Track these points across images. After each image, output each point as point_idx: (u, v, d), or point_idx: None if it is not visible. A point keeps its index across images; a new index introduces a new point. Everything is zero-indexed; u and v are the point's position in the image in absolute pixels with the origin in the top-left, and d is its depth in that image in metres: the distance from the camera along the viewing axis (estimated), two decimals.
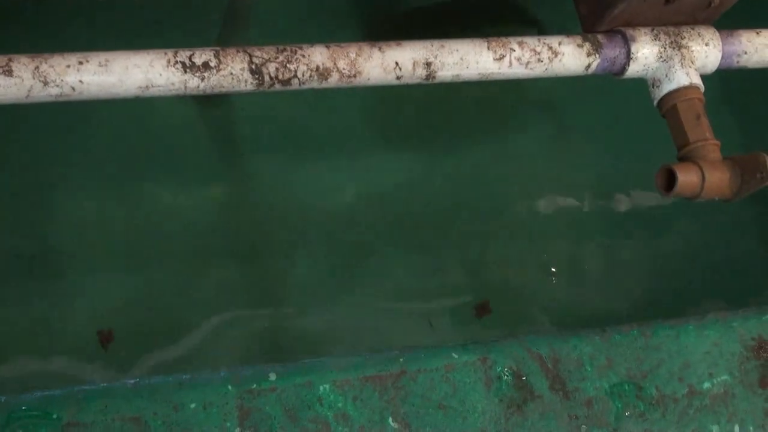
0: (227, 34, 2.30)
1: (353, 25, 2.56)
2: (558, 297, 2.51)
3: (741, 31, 1.70)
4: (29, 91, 1.35)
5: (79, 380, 2.15)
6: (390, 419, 1.40)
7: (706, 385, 1.53)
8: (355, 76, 1.50)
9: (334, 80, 1.49)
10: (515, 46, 1.57)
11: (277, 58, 1.45)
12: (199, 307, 2.30)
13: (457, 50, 1.54)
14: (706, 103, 1.64)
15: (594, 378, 1.50)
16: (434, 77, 1.54)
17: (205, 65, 1.43)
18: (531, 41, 1.59)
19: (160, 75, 1.41)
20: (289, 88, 1.48)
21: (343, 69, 1.48)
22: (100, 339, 2.21)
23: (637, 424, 1.48)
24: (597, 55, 1.61)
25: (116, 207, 2.32)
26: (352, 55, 1.49)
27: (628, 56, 1.62)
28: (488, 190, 2.56)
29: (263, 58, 1.45)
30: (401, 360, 1.45)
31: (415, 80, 1.54)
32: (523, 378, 1.47)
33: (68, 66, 1.37)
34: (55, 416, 1.30)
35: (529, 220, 2.57)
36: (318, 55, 1.47)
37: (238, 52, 1.44)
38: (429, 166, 2.54)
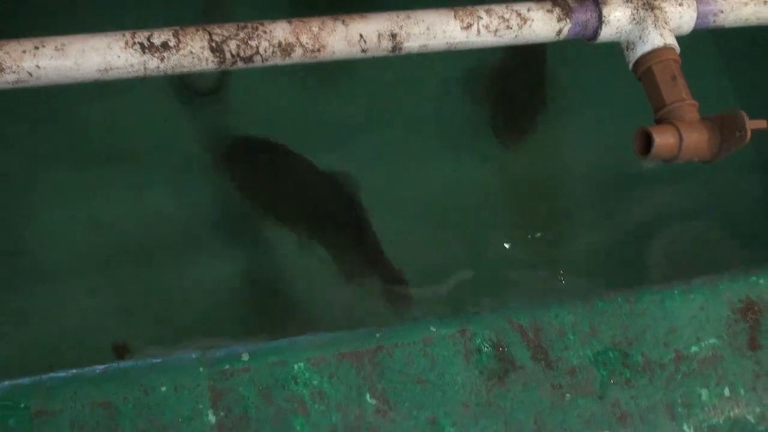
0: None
1: None
2: None
3: None
4: None
5: None
6: (368, 395, 1.37)
7: (694, 349, 1.49)
8: (319, 50, 1.47)
9: (297, 55, 1.47)
10: (483, 14, 1.54)
11: (237, 35, 1.43)
12: None
13: (423, 20, 1.52)
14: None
15: (577, 346, 1.46)
16: (401, 49, 1.52)
17: (164, 45, 1.41)
18: (499, 9, 1.56)
19: (119, 57, 1.39)
20: (252, 65, 1.46)
21: (306, 44, 1.46)
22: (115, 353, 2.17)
23: (624, 391, 1.44)
24: (568, 20, 1.59)
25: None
26: (315, 29, 1.47)
27: (600, 20, 1.59)
28: None
29: (223, 36, 1.43)
30: (377, 335, 1.42)
31: (381, 53, 1.52)
32: (504, 349, 1.44)
33: (24, 51, 1.35)
34: (23, 405, 1.28)
35: None
36: (280, 31, 1.45)
37: (197, 30, 1.43)
38: None
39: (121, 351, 2.14)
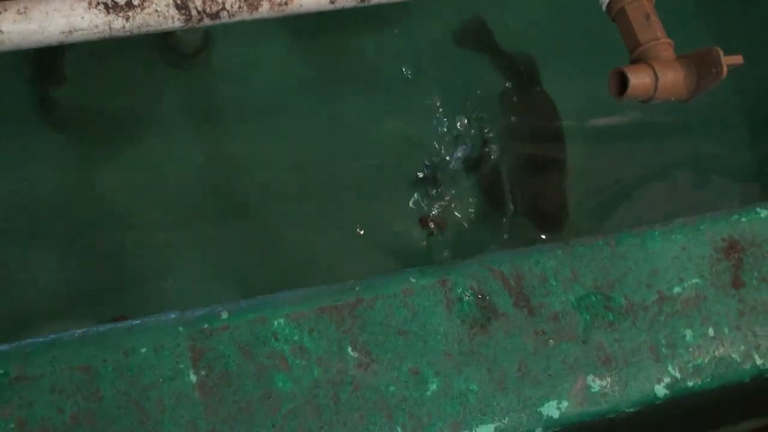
0: None
1: None
2: None
3: None
4: None
5: None
6: (349, 348, 1.36)
7: (677, 290, 1.49)
8: (286, 3, 1.46)
9: (264, 9, 1.45)
10: None
11: None
12: None
13: None
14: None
15: (559, 292, 1.45)
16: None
17: (129, 4, 1.39)
18: None
19: (83, 18, 1.37)
20: (218, 21, 1.44)
21: None
22: None
23: (607, 334, 1.44)
24: None
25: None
26: None
27: None
28: None
29: None
30: (357, 288, 1.41)
31: (349, 3, 1.50)
32: (486, 297, 1.43)
33: None
34: (1, 371, 1.27)
35: None
36: None
37: None
38: None
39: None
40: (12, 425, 1.24)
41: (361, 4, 1.50)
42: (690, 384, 1.44)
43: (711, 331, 1.47)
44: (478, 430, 1.36)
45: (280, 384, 1.33)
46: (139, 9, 1.39)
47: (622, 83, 1.50)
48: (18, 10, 1.34)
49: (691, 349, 1.46)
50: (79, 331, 1.33)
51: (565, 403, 1.39)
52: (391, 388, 1.35)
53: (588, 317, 1.44)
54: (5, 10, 1.34)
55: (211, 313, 1.36)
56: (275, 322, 1.36)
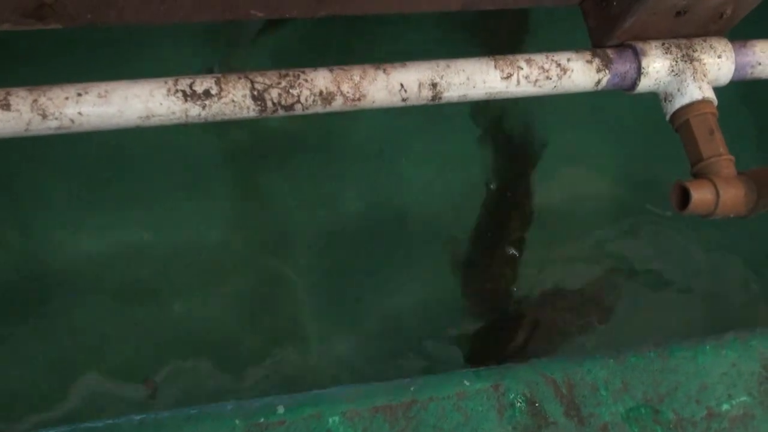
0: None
1: None
2: None
3: (754, 42, 1.66)
4: (28, 124, 1.33)
5: None
6: None
7: (725, 406, 1.50)
8: (359, 99, 1.47)
9: (338, 104, 1.46)
10: (523, 64, 1.54)
11: (279, 83, 1.43)
12: None
13: (464, 70, 1.51)
14: (721, 111, 1.61)
15: (609, 403, 1.46)
16: (440, 98, 1.51)
17: (206, 93, 1.40)
18: (539, 58, 1.55)
19: (161, 104, 1.38)
20: (292, 113, 1.45)
21: (347, 92, 1.46)
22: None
23: None
24: (607, 71, 1.58)
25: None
26: (356, 78, 1.46)
27: (639, 71, 1.59)
28: None
29: (265, 84, 1.42)
30: (412, 389, 1.42)
31: (421, 101, 1.51)
32: (537, 404, 1.44)
33: (67, 98, 1.34)
34: None
35: None
36: (321, 79, 1.45)
37: (239, 78, 1.42)
38: None
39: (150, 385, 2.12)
40: None
41: (432, 103, 1.52)
42: None
43: None
44: None
45: None
46: (216, 98, 1.40)
47: (684, 197, 1.51)
48: (99, 93, 1.36)
49: None
50: (137, 417, 1.34)
51: None
52: None
53: (637, 430, 1.45)
54: (86, 92, 1.35)
55: (267, 406, 1.37)
56: (330, 420, 1.37)
